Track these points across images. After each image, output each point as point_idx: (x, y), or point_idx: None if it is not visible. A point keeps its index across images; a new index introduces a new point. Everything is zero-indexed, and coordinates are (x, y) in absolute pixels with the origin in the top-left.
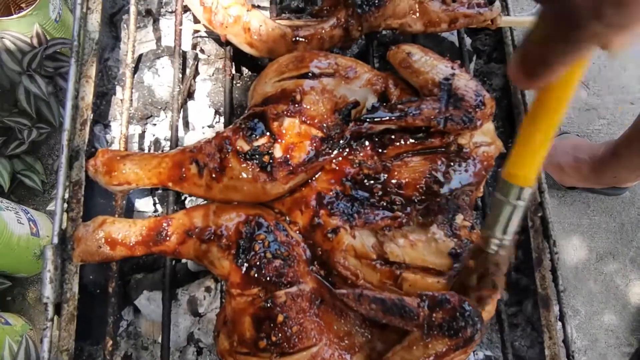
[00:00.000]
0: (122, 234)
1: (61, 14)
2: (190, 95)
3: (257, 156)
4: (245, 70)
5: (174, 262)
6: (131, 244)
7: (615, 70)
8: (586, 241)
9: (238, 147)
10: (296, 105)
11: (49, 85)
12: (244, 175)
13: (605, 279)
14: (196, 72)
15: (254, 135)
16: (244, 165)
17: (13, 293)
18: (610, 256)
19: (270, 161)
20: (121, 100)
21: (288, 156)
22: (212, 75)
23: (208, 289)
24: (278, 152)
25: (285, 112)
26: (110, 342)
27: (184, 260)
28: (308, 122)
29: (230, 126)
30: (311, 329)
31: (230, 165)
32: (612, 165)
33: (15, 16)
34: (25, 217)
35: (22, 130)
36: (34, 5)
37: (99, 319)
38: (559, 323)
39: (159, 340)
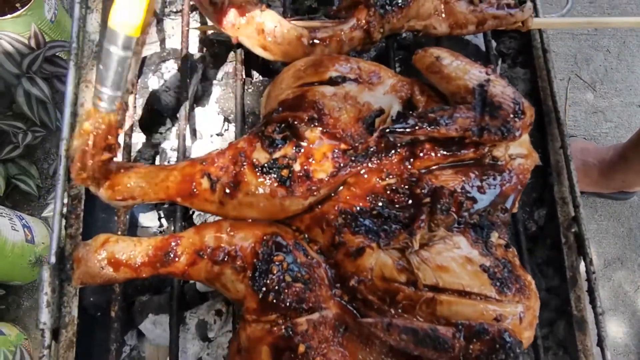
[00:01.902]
0: (126, 254)
1: (57, 14)
2: (197, 101)
3: (275, 169)
4: (256, 75)
5: (181, 282)
6: (136, 265)
7: (623, 72)
8: (594, 247)
9: (254, 160)
10: (318, 113)
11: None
12: (261, 190)
13: (613, 285)
14: (204, 77)
15: (275, 146)
16: (261, 179)
17: (7, 301)
18: (618, 262)
19: (290, 175)
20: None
21: (309, 169)
22: (222, 80)
23: (219, 313)
24: (298, 165)
25: (307, 121)
26: None
27: (192, 281)
28: (330, 132)
29: (245, 136)
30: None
31: (245, 179)
32: (620, 168)
33: (9, 16)
34: (19, 224)
35: (16, 134)
36: (28, 5)
37: (100, 344)
38: (597, 348)
39: None
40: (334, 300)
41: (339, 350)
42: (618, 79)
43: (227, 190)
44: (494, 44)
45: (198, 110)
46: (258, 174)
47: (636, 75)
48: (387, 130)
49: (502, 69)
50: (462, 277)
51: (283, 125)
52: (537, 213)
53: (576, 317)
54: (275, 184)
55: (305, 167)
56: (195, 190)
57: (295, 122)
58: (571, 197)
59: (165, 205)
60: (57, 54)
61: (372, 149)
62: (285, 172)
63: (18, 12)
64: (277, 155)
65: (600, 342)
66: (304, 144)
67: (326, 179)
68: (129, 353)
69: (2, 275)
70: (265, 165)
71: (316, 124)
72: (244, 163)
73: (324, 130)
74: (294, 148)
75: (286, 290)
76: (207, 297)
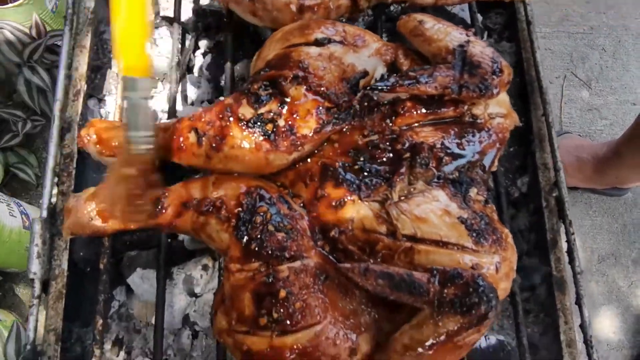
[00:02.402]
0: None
1: (57, 5)
2: (189, 69)
3: (260, 124)
4: (246, 46)
5: (169, 239)
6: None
7: (618, 70)
8: (588, 242)
9: (240, 115)
10: (303, 71)
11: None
12: (246, 144)
13: (607, 281)
14: (196, 46)
15: (260, 102)
16: (246, 133)
17: (4, 288)
18: (612, 257)
19: (274, 130)
20: (116, 72)
21: (293, 125)
22: (213, 48)
23: (205, 267)
24: (282, 120)
25: (291, 79)
26: (101, 322)
27: (180, 237)
28: (315, 90)
29: (233, 94)
30: (315, 306)
31: (231, 133)
32: (614, 164)
33: (11, 5)
34: (17, 210)
35: (16, 122)
36: None
37: (89, 299)
38: (575, 307)
39: (152, 322)
40: (316, 250)
41: (319, 297)
42: (613, 77)
43: (214, 144)
44: (480, 17)
45: (189, 77)
46: (243, 128)
47: (631, 73)
48: (369, 87)
49: (489, 43)
50: (440, 228)
51: (269, 82)
52: (520, 180)
53: (556, 277)
54: (260, 138)
55: (290, 123)
56: (182, 145)
57: (280, 80)
58: (552, 162)
59: None
60: (57, 42)
61: (355, 107)
62: (269, 127)
63: (20, 1)
64: (262, 110)
65: (579, 300)
66: (288, 100)
67: (310, 135)
68: (118, 309)
69: None
70: (251, 119)
71: (301, 81)
72: (230, 118)
73: (309, 88)
74: (279, 104)
75: (269, 239)
76: (194, 254)
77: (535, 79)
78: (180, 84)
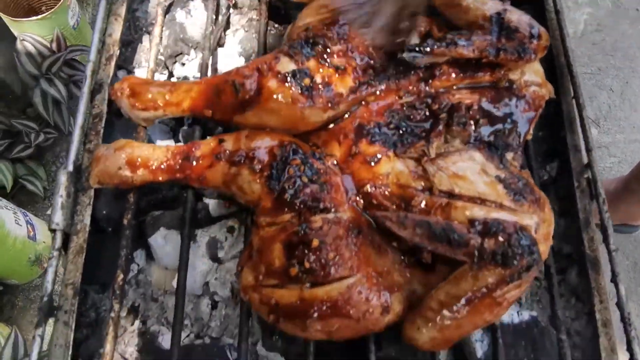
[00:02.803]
0: (145, 156)
1: (79, 22)
2: (220, 44)
3: (297, 79)
4: (277, 25)
5: (195, 200)
6: (154, 167)
7: (626, 110)
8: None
9: (278, 68)
10: (342, 32)
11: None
12: (282, 97)
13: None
14: (227, 25)
15: (298, 59)
16: (283, 86)
17: (2, 301)
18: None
19: (311, 85)
20: (150, 40)
21: (330, 83)
22: (246, 23)
23: (231, 229)
24: (319, 77)
25: (330, 37)
26: (121, 276)
27: (206, 201)
28: (352, 50)
29: (270, 53)
30: (348, 258)
31: (268, 85)
32: (624, 199)
33: (34, 18)
34: (23, 219)
35: (29, 133)
36: (53, 10)
37: (108, 262)
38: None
39: (171, 290)
40: (349, 206)
41: (352, 249)
42: (621, 117)
43: (249, 95)
44: None
45: (220, 50)
46: (280, 81)
47: (639, 113)
48: (407, 48)
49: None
50: (478, 185)
51: (309, 40)
52: (549, 165)
53: (589, 256)
54: (297, 92)
55: (327, 80)
56: (218, 96)
57: (320, 39)
58: (584, 144)
59: (184, 127)
60: (76, 57)
61: (391, 70)
62: (307, 82)
63: (43, 15)
64: (300, 66)
65: (615, 278)
66: (326, 58)
67: (345, 94)
68: (136, 275)
69: (1, 269)
70: (288, 73)
71: (340, 40)
72: (268, 72)
73: (347, 48)
74: (317, 61)
75: (302, 189)
76: (219, 220)
77: (565, 64)
78: (212, 57)
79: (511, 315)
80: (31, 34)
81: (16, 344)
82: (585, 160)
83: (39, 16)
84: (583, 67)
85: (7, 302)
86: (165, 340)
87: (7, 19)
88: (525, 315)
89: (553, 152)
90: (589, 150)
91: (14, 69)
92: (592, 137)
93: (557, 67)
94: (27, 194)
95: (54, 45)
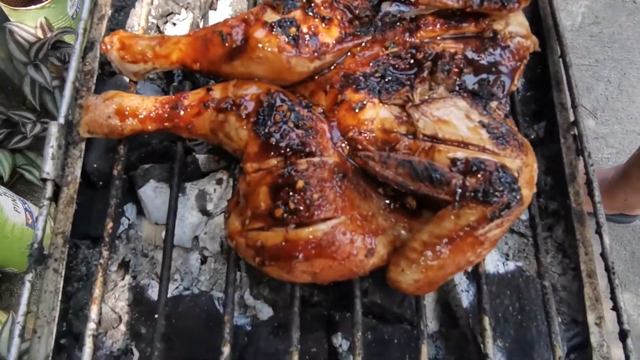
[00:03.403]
0: (134, 106)
1: (78, 12)
2: (212, 7)
3: (283, 28)
4: None
5: (185, 154)
6: (142, 116)
7: (623, 101)
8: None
9: (264, 19)
10: None
11: (55, 79)
12: (268, 45)
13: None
14: None
15: (284, 8)
16: (270, 35)
17: (1, 289)
18: (622, 285)
19: (297, 34)
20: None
21: (316, 32)
22: None
23: (219, 181)
24: (305, 27)
25: None
26: (111, 224)
27: (196, 155)
28: (338, 1)
29: (257, 5)
30: (333, 199)
31: (254, 34)
32: (622, 187)
33: (33, 7)
34: (22, 207)
35: (25, 124)
36: None
37: (99, 216)
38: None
39: (161, 245)
40: (335, 150)
41: (337, 192)
42: (619, 108)
43: (236, 45)
44: None
45: (212, 13)
46: (267, 30)
47: (636, 105)
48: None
49: None
50: (461, 130)
51: None
52: (537, 125)
53: (575, 210)
54: (283, 41)
55: (313, 30)
56: (206, 46)
57: None
58: (570, 101)
59: (175, 84)
60: (60, 38)
61: (376, 22)
62: (293, 31)
63: (41, 5)
64: (286, 16)
65: (599, 229)
66: (312, 8)
67: (332, 44)
68: (127, 229)
69: None
70: (274, 22)
71: None
72: (254, 22)
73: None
74: (303, 12)
75: (288, 134)
76: (208, 174)
77: (552, 26)
78: (204, 19)
79: (497, 266)
80: (19, 22)
81: (14, 328)
82: (572, 118)
83: (38, 5)
84: (580, 58)
85: (6, 290)
86: (154, 293)
87: (6, 8)
88: (511, 265)
89: (540, 112)
90: (575, 107)
91: (11, 60)
92: (578, 94)
93: (545, 28)
94: (26, 183)
95: (39, 32)
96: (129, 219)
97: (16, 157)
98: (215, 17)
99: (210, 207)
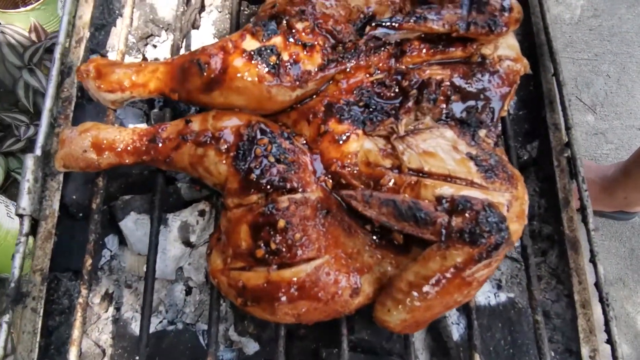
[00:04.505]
0: (110, 139)
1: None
2: (194, 26)
3: (263, 56)
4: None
5: (166, 183)
6: (120, 149)
7: (623, 96)
8: None
9: (244, 46)
10: (309, 8)
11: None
12: (248, 75)
13: (615, 306)
14: (202, 7)
15: (264, 36)
16: (249, 64)
17: None
18: (620, 282)
19: (278, 63)
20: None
21: (298, 60)
22: (219, 4)
23: (202, 213)
24: (286, 55)
25: (296, 13)
26: (90, 261)
27: (178, 184)
28: (320, 26)
29: (237, 32)
30: (316, 239)
31: (233, 63)
32: (622, 185)
33: (23, 9)
34: (14, 210)
35: (19, 127)
36: (41, 0)
37: (80, 248)
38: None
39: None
40: (317, 185)
41: (320, 230)
42: (618, 103)
43: (215, 75)
44: None
45: (194, 32)
46: (246, 58)
47: (636, 99)
48: (376, 24)
49: None
50: (448, 163)
51: (274, 18)
52: (530, 145)
53: (569, 236)
54: (263, 70)
55: (294, 58)
56: (183, 76)
57: (286, 15)
58: (564, 122)
59: (155, 110)
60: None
61: (360, 47)
62: (273, 59)
63: (31, 6)
64: (266, 44)
65: (593, 258)
66: (293, 35)
67: (314, 71)
68: (109, 260)
69: None
70: (254, 51)
71: (306, 17)
72: (233, 50)
73: (314, 24)
74: (283, 38)
75: (269, 169)
76: (191, 204)
77: (545, 42)
78: (185, 39)
79: (488, 298)
80: (10, 25)
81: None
82: (565, 139)
83: (28, 7)
84: (580, 52)
85: (1, 294)
86: (138, 327)
87: None
88: (503, 297)
89: (533, 132)
90: (568, 129)
91: (3, 62)
92: (571, 115)
93: (537, 44)
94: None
95: (33, 35)
96: (110, 251)
97: (9, 160)
98: (197, 37)
99: (193, 238)
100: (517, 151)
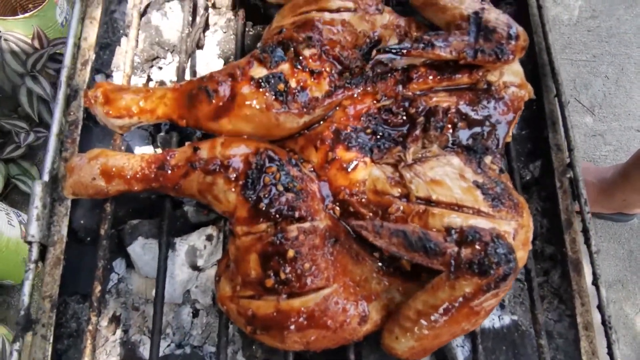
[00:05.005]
0: (119, 166)
1: (68, 19)
2: (199, 47)
3: (271, 83)
4: (257, 25)
5: (174, 209)
6: (129, 177)
7: (621, 97)
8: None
9: (251, 74)
10: (315, 34)
11: (52, 88)
12: (256, 103)
13: (614, 308)
14: (206, 26)
15: (272, 63)
16: (257, 92)
17: None
18: (619, 284)
19: (286, 90)
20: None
21: (305, 87)
22: (224, 24)
23: (209, 238)
24: (294, 82)
25: (303, 40)
26: (99, 288)
27: (185, 208)
28: (327, 52)
29: (244, 57)
30: (324, 268)
31: (241, 91)
32: (621, 187)
33: (21, 16)
34: (16, 220)
35: (19, 133)
36: (40, 7)
37: (88, 272)
38: (592, 287)
39: (152, 298)
40: (326, 213)
41: (329, 259)
42: (617, 104)
43: (223, 102)
44: None
45: (199, 52)
46: (254, 86)
47: (634, 101)
48: (383, 49)
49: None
50: (455, 191)
51: (281, 45)
52: (532, 165)
53: (571, 258)
54: (271, 98)
55: (301, 85)
56: (191, 103)
57: (293, 42)
58: (566, 143)
59: (162, 134)
60: (60, 51)
61: (367, 73)
62: (281, 87)
63: (30, 13)
64: (273, 71)
65: (596, 280)
66: (300, 62)
67: (321, 98)
68: (117, 284)
69: None
70: (262, 78)
71: (313, 44)
72: (241, 77)
73: (321, 51)
74: (291, 65)
75: (277, 198)
76: (198, 227)
77: (548, 62)
78: (190, 59)
79: (492, 320)
80: (13, 32)
81: (4, 352)
82: (567, 160)
83: (27, 14)
84: (578, 54)
85: (3, 302)
86: (146, 350)
87: None
88: (507, 319)
89: (536, 152)
90: (570, 150)
91: (3, 68)
92: (574, 137)
93: (540, 64)
94: (20, 193)
95: (36, 42)
96: (118, 274)
97: (10, 167)
98: (202, 57)
99: (200, 262)
100: (520, 171)
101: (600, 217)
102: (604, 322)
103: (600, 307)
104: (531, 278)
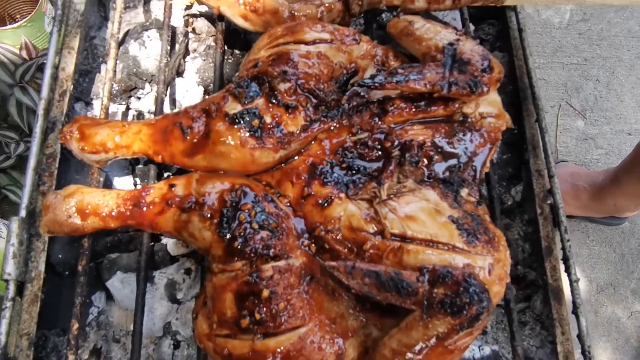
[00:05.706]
0: (95, 203)
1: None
2: (178, 72)
3: (246, 119)
4: (236, 51)
5: (152, 242)
6: (104, 214)
7: (612, 101)
8: (586, 272)
9: (226, 110)
10: (290, 68)
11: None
12: (231, 139)
13: (606, 311)
14: (186, 52)
15: (246, 98)
16: (232, 128)
17: None
18: (611, 287)
19: (261, 125)
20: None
21: (280, 122)
22: (203, 51)
23: (188, 271)
24: (269, 117)
25: (278, 75)
26: (77, 326)
27: (163, 241)
28: (302, 86)
29: (219, 92)
30: (300, 307)
31: (216, 128)
32: (612, 192)
33: (9, 27)
34: (6, 231)
35: (9, 144)
36: (28, 17)
37: (67, 306)
38: (572, 316)
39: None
40: (301, 250)
41: (304, 298)
42: (608, 107)
43: (198, 139)
44: (472, 27)
45: (178, 80)
46: (228, 122)
47: (625, 104)
48: (358, 83)
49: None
50: (430, 227)
51: (256, 79)
52: (514, 189)
53: (552, 286)
54: (246, 134)
55: (276, 120)
56: (166, 140)
57: (267, 77)
58: (547, 169)
59: (140, 166)
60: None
61: (343, 106)
62: (255, 123)
63: (18, 24)
64: (248, 107)
65: (576, 309)
66: (276, 96)
67: (297, 132)
68: (97, 317)
69: None
70: (236, 115)
71: (288, 78)
72: (216, 113)
73: (296, 85)
74: (266, 100)
75: (252, 237)
76: (177, 260)
77: (528, 86)
78: (170, 87)
79: (472, 351)
80: (1, 42)
81: None
82: (548, 186)
83: (15, 24)
84: (569, 57)
85: None
86: None
87: None
88: (487, 350)
89: (518, 175)
90: (551, 177)
91: None
92: (553, 163)
93: (521, 89)
94: (10, 203)
95: (24, 53)
96: (98, 307)
97: (0, 177)
98: (181, 85)
99: (180, 295)
100: (502, 196)
101: (592, 221)
102: (583, 352)
103: (580, 337)
104: (510, 310)
